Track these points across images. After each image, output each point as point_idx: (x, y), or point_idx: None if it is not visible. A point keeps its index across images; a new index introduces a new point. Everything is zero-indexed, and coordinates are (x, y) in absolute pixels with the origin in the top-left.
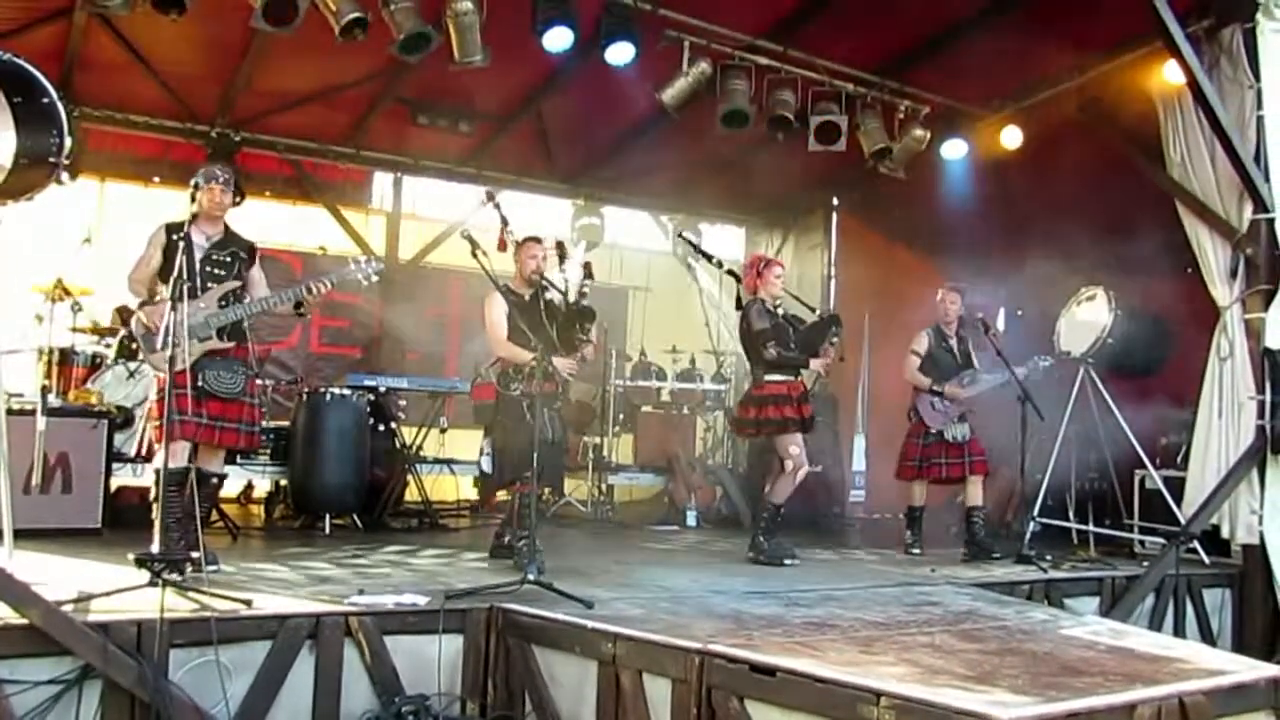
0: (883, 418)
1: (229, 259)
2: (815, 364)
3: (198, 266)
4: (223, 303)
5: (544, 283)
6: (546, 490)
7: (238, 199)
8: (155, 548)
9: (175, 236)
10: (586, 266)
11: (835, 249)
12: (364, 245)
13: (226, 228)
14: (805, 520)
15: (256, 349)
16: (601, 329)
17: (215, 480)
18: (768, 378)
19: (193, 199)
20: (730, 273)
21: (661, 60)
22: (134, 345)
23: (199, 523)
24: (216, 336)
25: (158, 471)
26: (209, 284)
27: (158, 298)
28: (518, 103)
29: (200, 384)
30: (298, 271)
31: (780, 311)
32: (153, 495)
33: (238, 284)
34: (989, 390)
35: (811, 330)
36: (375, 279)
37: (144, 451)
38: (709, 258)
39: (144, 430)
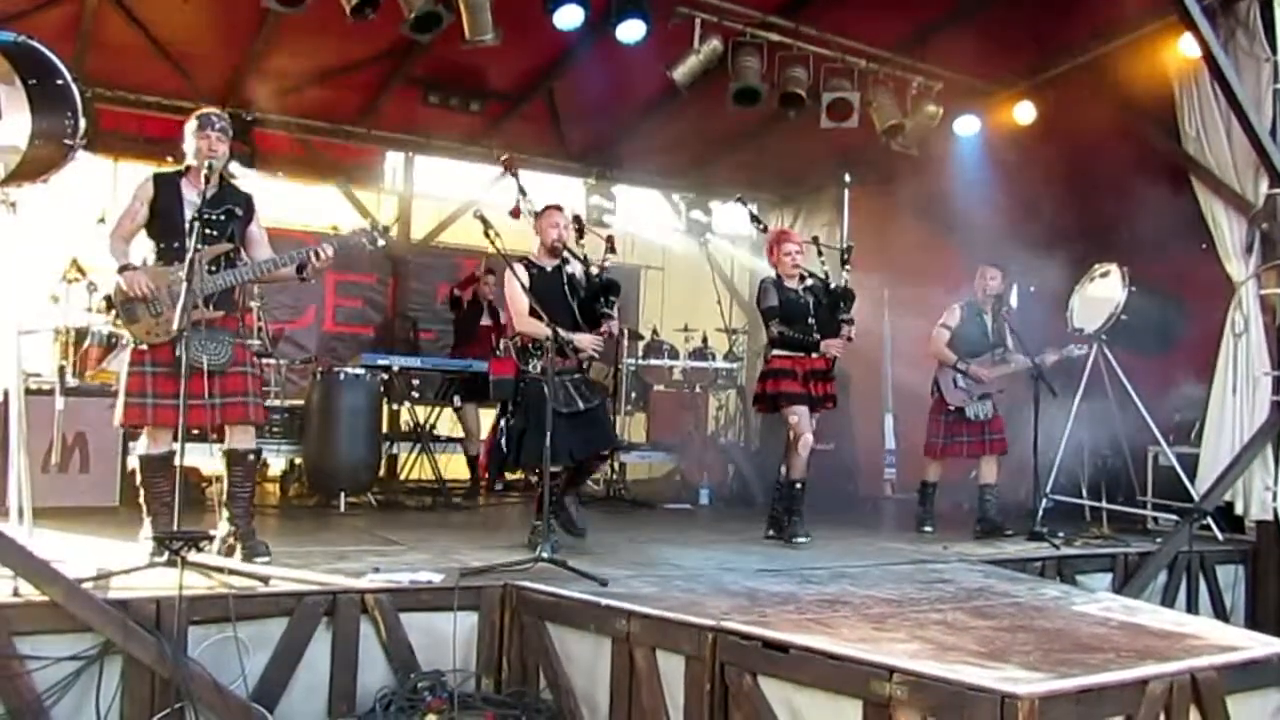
0: (901, 396)
1: (222, 217)
2: (826, 345)
3: (186, 225)
4: (212, 268)
5: (566, 253)
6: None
7: (250, 165)
8: (145, 532)
9: (166, 189)
10: (609, 241)
11: (847, 226)
12: (376, 225)
13: (222, 181)
14: (818, 499)
15: (267, 326)
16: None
17: (251, 457)
18: (773, 352)
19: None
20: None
21: (673, 38)
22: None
23: (248, 503)
24: (203, 305)
25: (142, 458)
26: (198, 246)
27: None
28: (529, 81)
29: (179, 355)
30: None
31: (808, 283)
32: (138, 480)
33: (229, 246)
34: (1019, 371)
35: (828, 307)
36: (380, 244)
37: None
38: (757, 220)
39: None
